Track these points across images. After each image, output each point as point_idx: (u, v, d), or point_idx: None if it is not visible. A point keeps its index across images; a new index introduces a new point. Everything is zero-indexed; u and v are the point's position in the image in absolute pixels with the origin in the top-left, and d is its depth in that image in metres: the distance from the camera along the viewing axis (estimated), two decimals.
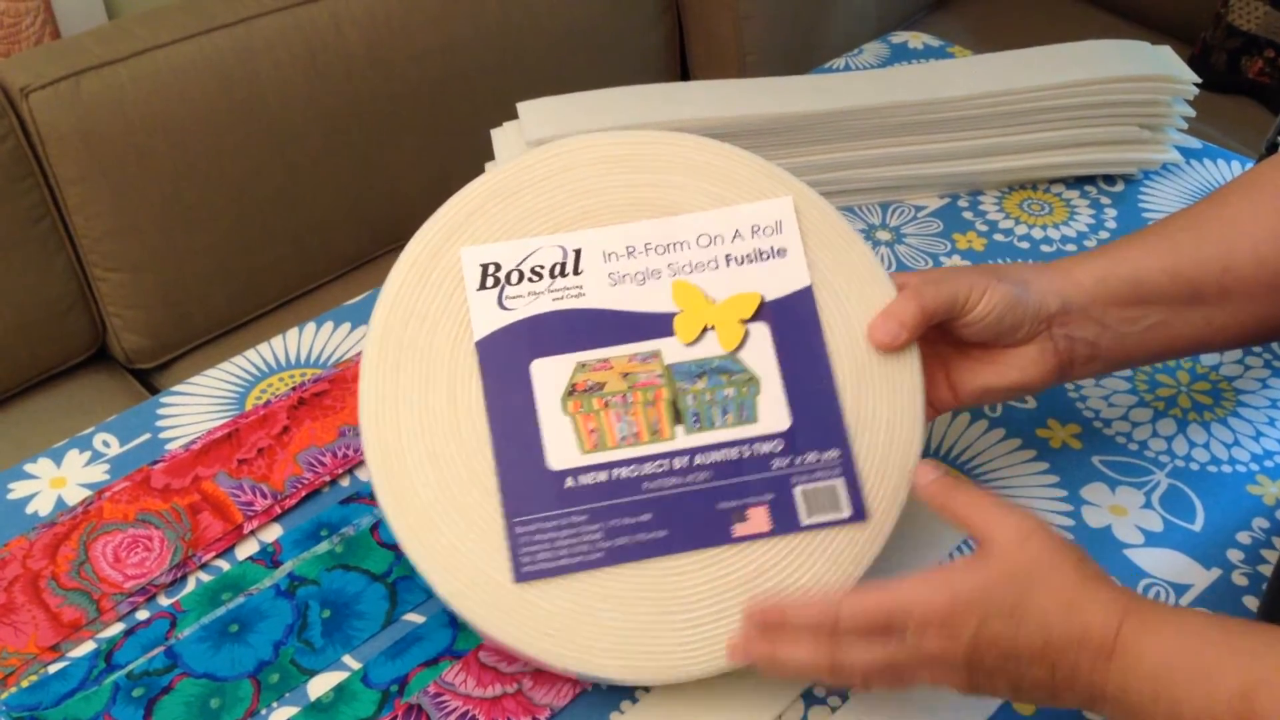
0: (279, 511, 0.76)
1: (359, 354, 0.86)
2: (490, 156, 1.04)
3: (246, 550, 0.74)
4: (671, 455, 0.63)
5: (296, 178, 1.37)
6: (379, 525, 0.75)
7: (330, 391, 0.83)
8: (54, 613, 0.70)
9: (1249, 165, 1.08)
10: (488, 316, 0.64)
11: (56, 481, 0.78)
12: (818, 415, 0.64)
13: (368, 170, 1.43)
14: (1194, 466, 0.79)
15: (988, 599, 0.54)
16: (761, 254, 0.66)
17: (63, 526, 0.74)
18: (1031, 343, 0.66)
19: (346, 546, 0.74)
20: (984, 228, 1.00)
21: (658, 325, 0.65)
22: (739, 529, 0.62)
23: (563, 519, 0.62)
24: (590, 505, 0.62)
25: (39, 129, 1.20)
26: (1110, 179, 1.06)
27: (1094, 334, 0.67)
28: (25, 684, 0.67)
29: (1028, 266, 0.69)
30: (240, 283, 1.39)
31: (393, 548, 0.74)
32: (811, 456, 0.63)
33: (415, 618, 0.70)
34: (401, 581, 0.72)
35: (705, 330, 0.65)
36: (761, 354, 0.65)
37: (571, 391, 0.63)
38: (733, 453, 0.63)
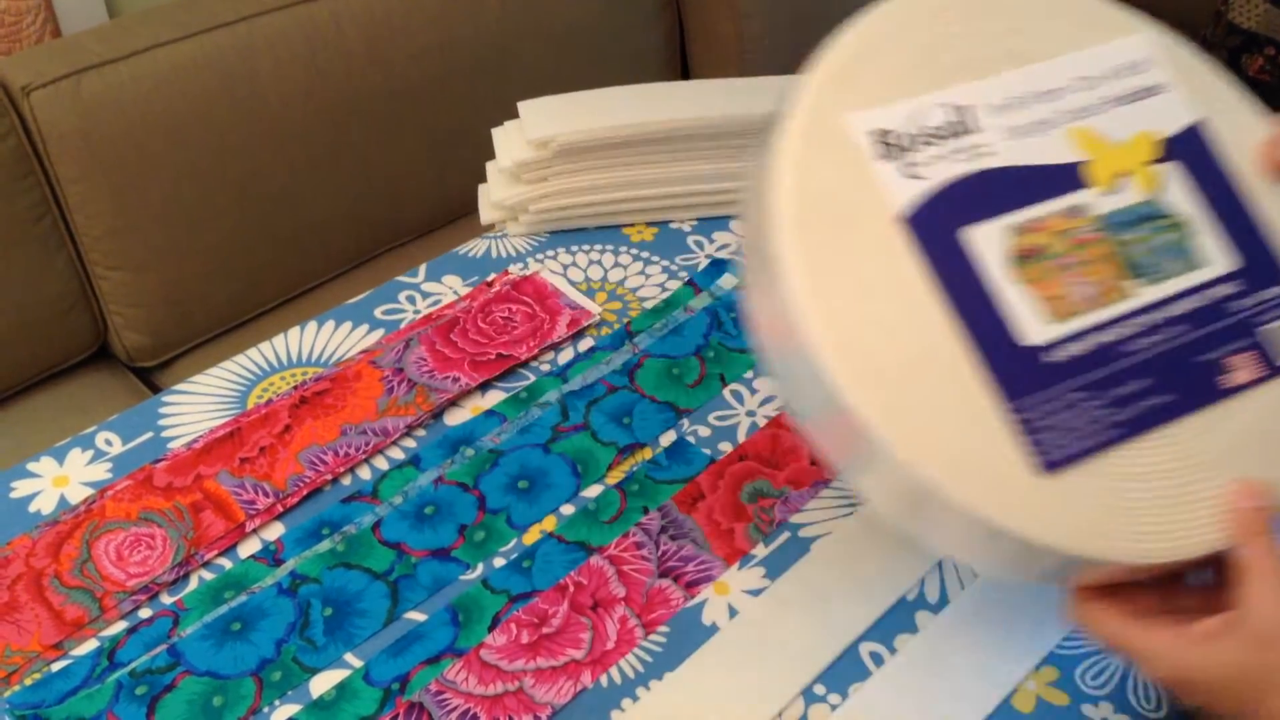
0: (281, 510, 0.76)
1: (361, 353, 0.87)
2: (490, 155, 1.04)
3: (248, 548, 0.74)
4: (1141, 312, 0.58)
5: (297, 176, 1.38)
6: (380, 524, 0.75)
7: (332, 390, 0.84)
8: (57, 611, 0.70)
9: None
10: (899, 187, 0.57)
11: (59, 480, 0.78)
12: (1259, 250, 0.60)
13: (368, 169, 1.43)
14: None
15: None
16: (1138, 93, 0.62)
17: (65, 525, 0.74)
18: None
19: (348, 545, 0.74)
20: None
21: (1068, 177, 0.60)
22: (1228, 380, 0.58)
23: (1061, 396, 0.56)
24: (1083, 378, 0.56)
25: (40, 128, 1.20)
26: None
27: None
28: (28, 682, 0.67)
29: None
30: (241, 281, 1.39)
31: (394, 546, 0.74)
32: (1273, 292, 0.60)
33: (417, 616, 0.70)
34: (403, 580, 0.72)
35: (1120, 176, 0.60)
36: (1182, 194, 0.60)
37: (1018, 258, 0.58)
38: (1197, 300, 0.59)
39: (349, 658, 0.68)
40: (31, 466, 0.79)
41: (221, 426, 0.81)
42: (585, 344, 0.89)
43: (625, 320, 0.91)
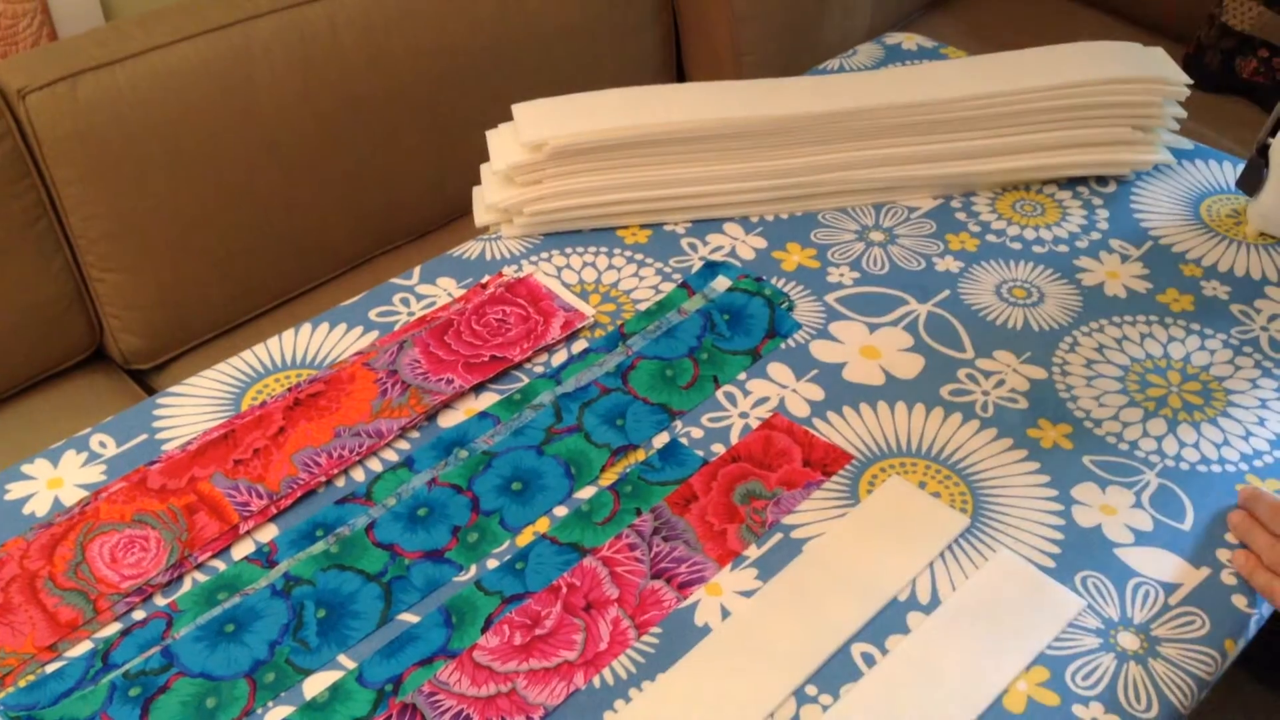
0: (275, 512, 0.76)
1: (355, 355, 0.87)
2: (485, 157, 1.04)
3: (242, 550, 0.74)
4: None
5: (293, 179, 1.38)
6: (374, 525, 0.76)
7: (326, 392, 0.84)
8: (51, 613, 0.70)
9: (1240, 166, 1.08)
10: None
11: (53, 482, 0.78)
12: None
13: (364, 171, 1.43)
14: (1184, 466, 0.80)
15: None
16: None
17: (60, 527, 0.75)
18: None
19: (342, 547, 0.74)
20: (977, 229, 1.01)
21: None
22: None
23: None
24: None
25: (36, 130, 1.20)
26: (1102, 180, 1.07)
27: None
28: (23, 684, 0.67)
29: None
30: (237, 284, 1.39)
31: (388, 548, 0.74)
32: None
33: (410, 617, 0.71)
34: (396, 581, 0.72)
35: None
36: None
37: None
38: None
39: (342, 659, 0.68)
40: (26, 468, 0.79)
41: (216, 428, 0.81)
42: (579, 346, 0.89)
43: (619, 322, 0.91)
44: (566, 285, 0.95)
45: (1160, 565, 0.73)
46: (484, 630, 0.69)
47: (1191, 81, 1.03)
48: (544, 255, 0.98)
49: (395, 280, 0.96)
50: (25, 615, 0.70)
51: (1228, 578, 0.73)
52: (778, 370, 0.87)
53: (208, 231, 1.34)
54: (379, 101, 1.41)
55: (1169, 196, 1.05)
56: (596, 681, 0.67)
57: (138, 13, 1.33)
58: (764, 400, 0.85)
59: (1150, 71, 1.01)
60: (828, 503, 0.77)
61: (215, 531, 0.75)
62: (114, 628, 0.70)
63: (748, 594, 0.72)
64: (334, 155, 1.40)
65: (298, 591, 0.72)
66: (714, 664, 0.68)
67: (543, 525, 0.76)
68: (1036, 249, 0.99)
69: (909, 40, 1.28)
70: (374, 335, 0.90)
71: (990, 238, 1.00)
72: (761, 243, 1.00)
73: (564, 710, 0.66)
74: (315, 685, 0.67)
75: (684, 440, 0.82)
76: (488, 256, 0.98)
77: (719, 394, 0.85)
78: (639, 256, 0.98)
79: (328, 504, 0.77)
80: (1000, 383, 0.86)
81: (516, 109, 1.00)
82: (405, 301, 0.93)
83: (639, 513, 0.76)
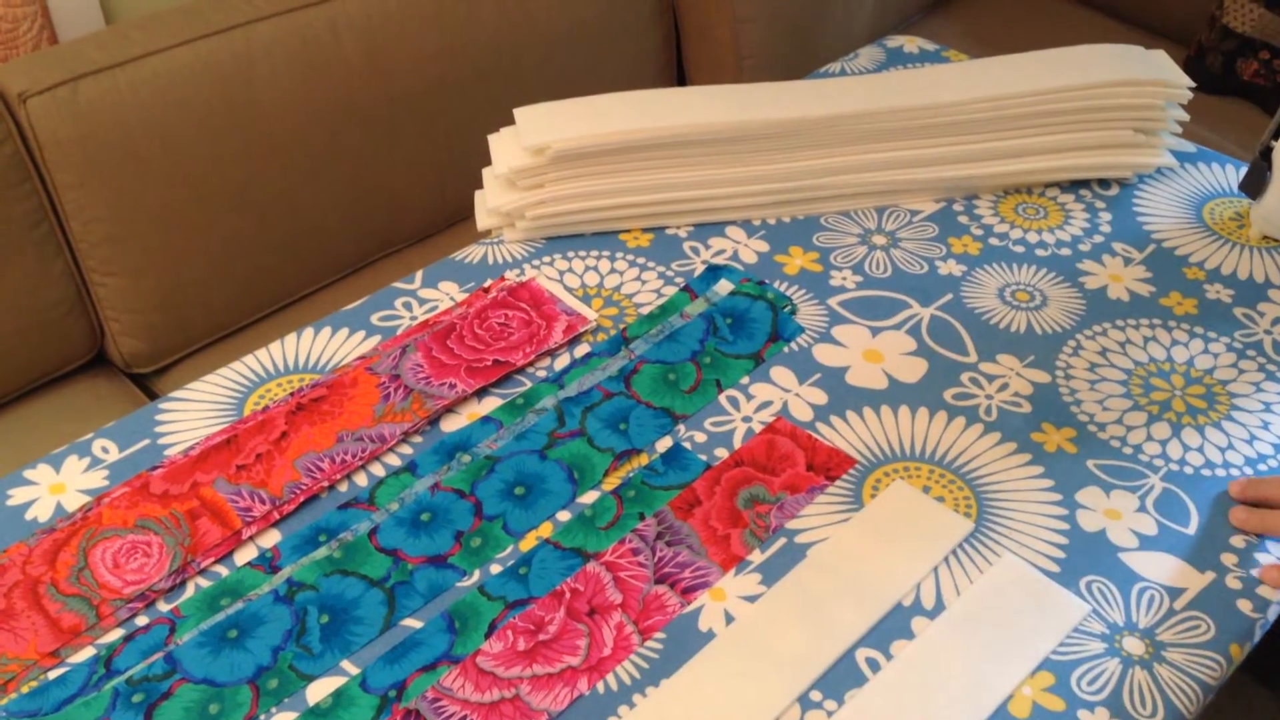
0: (277, 517, 0.76)
1: (357, 359, 0.87)
2: (487, 161, 1.04)
3: (245, 556, 0.74)
4: None
5: (294, 182, 1.38)
6: (377, 530, 0.75)
7: (328, 397, 0.84)
8: (53, 619, 0.70)
9: (1242, 169, 1.08)
10: None
11: (56, 488, 0.78)
12: None
13: (365, 175, 1.43)
14: (1188, 470, 0.80)
15: None
16: None
17: (62, 532, 0.74)
18: None
19: (345, 552, 0.74)
20: (979, 232, 1.01)
21: None
22: None
23: None
24: None
25: (37, 134, 1.20)
26: (1105, 183, 1.07)
27: None
28: (25, 690, 0.67)
29: None
30: (238, 287, 1.39)
31: (391, 553, 0.74)
32: None
33: (413, 623, 0.70)
34: (399, 587, 0.72)
35: None
36: None
37: None
38: None
39: (345, 665, 0.68)
40: (28, 474, 0.79)
41: (218, 433, 0.81)
42: (581, 350, 0.89)
43: (621, 326, 0.91)
44: (569, 289, 0.95)
45: (1165, 569, 0.73)
46: (487, 636, 0.69)
47: (1193, 84, 1.03)
48: (546, 259, 0.98)
49: (397, 284, 0.96)
50: (28, 621, 0.70)
51: (1233, 582, 0.73)
52: (780, 374, 0.87)
53: (209, 235, 1.34)
54: (380, 105, 1.41)
55: (1171, 199, 1.05)
56: (600, 687, 0.67)
57: (138, 16, 1.33)
58: (767, 404, 0.84)
59: (1152, 74, 1.01)
60: (831, 507, 0.77)
61: (218, 537, 0.74)
62: (117, 634, 0.70)
63: (751, 599, 0.71)
64: (335, 159, 1.40)
65: (301, 597, 0.71)
66: (718, 669, 0.67)
67: (546, 530, 0.76)
68: (1039, 252, 0.99)
69: (910, 43, 1.28)
70: (376, 339, 0.90)
71: (993, 241, 1.00)
72: (764, 246, 0.99)
73: (568, 716, 0.66)
74: (318, 691, 0.67)
75: (687, 444, 0.81)
76: (490, 260, 0.98)
77: (722, 398, 0.85)
78: (641, 260, 0.98)
79: (330, 509, 0.77)
80: (1004, 386, 0.86)
81: (518, 113, 1.00)
82: (407, 305, 0.93)
83: (642, 517, 0.76)
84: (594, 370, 0.87)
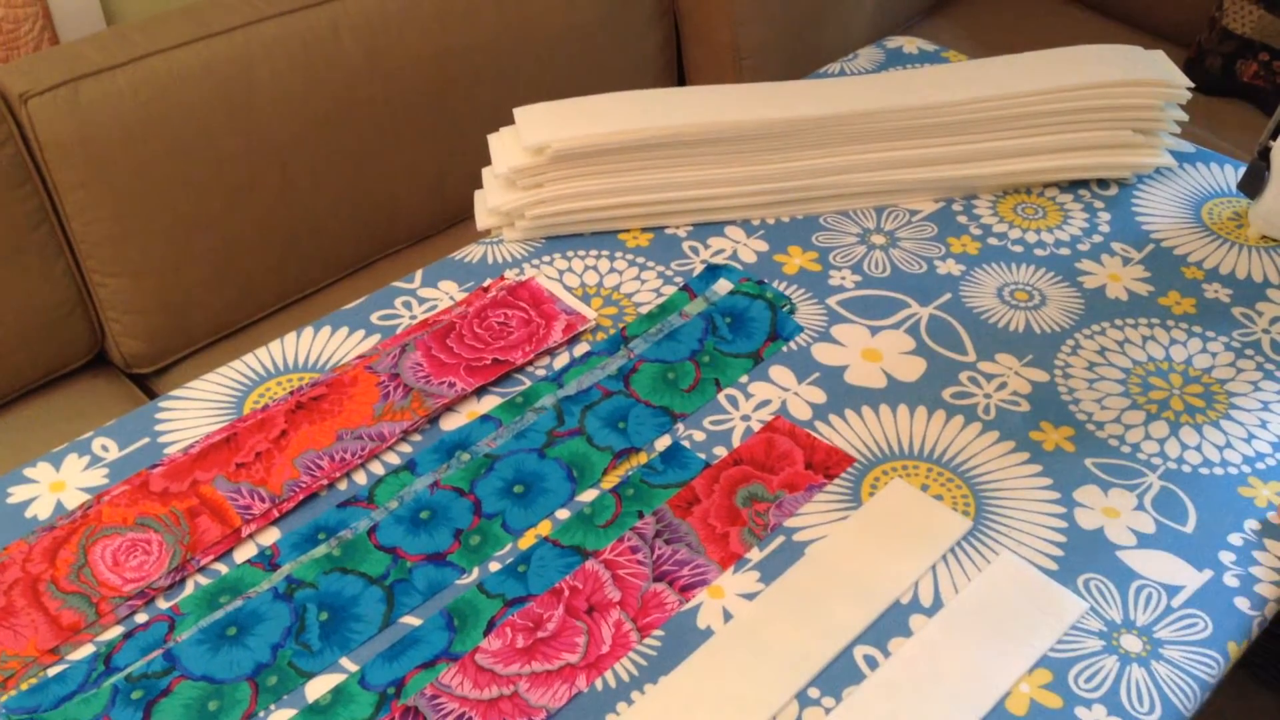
0: (277, 515, 0.76)
1: (357, 358, 0.87)
2: (487, 161, 1.04)
3: (244, 553, 0.75)
4: None
5: (294, 183, 1.38)
6: (376, 528, 0.76)
7: (328, 395, 0.84)
8: (53, 616, 0.70)
9: (1241, 169, 1.08)
10: None
11: (55, 485, 0.78)
12: None
13: (365, 175, 1.44)
14: (1186, 469, 0.80)
15: None
16: None
17: (62, 530, 0.75)
18: None
19: (344, 550, 0.74)
20: (978, 231, 1.01)
21: None
22: None
23: None
24: None
25: (38, 135, 1.20)
26: (1104, 183, 1.07)
27: None
28: (25, 687, 0.67)
29: None
30: (238, 287, 1.39)
31: (390, 551, 0.74)
32: None
33: (412, 620, 0.71)
34: (398, 584, 0.72)
35: None
36: None
37: None
38: None
39: (345, 662, 0.68)
40: (28, 472, 0.79)
41: (218, 432, 0.81)
42: (581, 349, 0.89)
43: (620, 325, 0.91)
44: (568, 288, 0.95)
45: (1162, 567, 0.73)
46: (486, 633, 0.69)
47: (1192, 85, 1.03)
48: (546, 258, 0.98)
49: (397, 283, 0.96)
50: (27, 618, 0.70)
51: (1230, 580, 0.73)
52: (779, 373, 0.87)
53: (209, 235, 1.34)
54: (380, 105, 1.41)
55: (1170, 199, 1.05)
56: (599, 684, 0.67)
57: (139, 17, 1.33)
58: (766, 403, 0.85)
59: (1151, 74, 1.02)
60: (830, 505, 0.77)
61: (217, 535, 0.75)
62: (116, 631, 0.70)
63: (750, 597, 0.72)
64: (336, 159, 1.40)
65: (300, 594, 0.72)
66: (716, 667, 0.68)
67: (545, 528, 0.76)
68: (1038, 252, 0.99)
69: (910, 44, 1.28)
70: (376, 338, 0.90)
71: (992, 240, 1.00)
72: (763, 246, 1.00)
73: (566, 713, 0.66)
74: (317, 688, 0.67)
75: (686, 443, 0.82)
76: (489, 260, 0.98)
77: (721, 397, 0.85)
78: (640, 259, 0.98)
79: (330, 507, 0.77)
80: (1002, 385, 0.86)
81: (518, 112, 1.00)
82: (407, 305, 0.93)
83: (641, 515, 0.76)
84: (593, 369, 0.87)
